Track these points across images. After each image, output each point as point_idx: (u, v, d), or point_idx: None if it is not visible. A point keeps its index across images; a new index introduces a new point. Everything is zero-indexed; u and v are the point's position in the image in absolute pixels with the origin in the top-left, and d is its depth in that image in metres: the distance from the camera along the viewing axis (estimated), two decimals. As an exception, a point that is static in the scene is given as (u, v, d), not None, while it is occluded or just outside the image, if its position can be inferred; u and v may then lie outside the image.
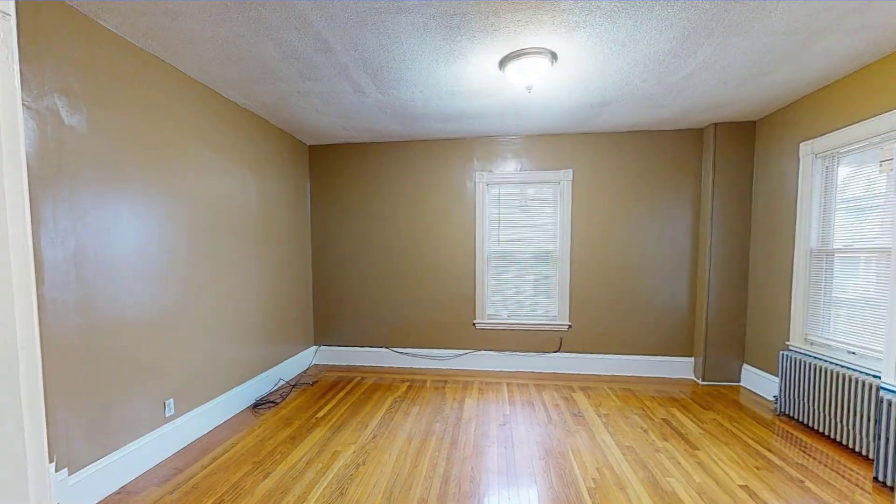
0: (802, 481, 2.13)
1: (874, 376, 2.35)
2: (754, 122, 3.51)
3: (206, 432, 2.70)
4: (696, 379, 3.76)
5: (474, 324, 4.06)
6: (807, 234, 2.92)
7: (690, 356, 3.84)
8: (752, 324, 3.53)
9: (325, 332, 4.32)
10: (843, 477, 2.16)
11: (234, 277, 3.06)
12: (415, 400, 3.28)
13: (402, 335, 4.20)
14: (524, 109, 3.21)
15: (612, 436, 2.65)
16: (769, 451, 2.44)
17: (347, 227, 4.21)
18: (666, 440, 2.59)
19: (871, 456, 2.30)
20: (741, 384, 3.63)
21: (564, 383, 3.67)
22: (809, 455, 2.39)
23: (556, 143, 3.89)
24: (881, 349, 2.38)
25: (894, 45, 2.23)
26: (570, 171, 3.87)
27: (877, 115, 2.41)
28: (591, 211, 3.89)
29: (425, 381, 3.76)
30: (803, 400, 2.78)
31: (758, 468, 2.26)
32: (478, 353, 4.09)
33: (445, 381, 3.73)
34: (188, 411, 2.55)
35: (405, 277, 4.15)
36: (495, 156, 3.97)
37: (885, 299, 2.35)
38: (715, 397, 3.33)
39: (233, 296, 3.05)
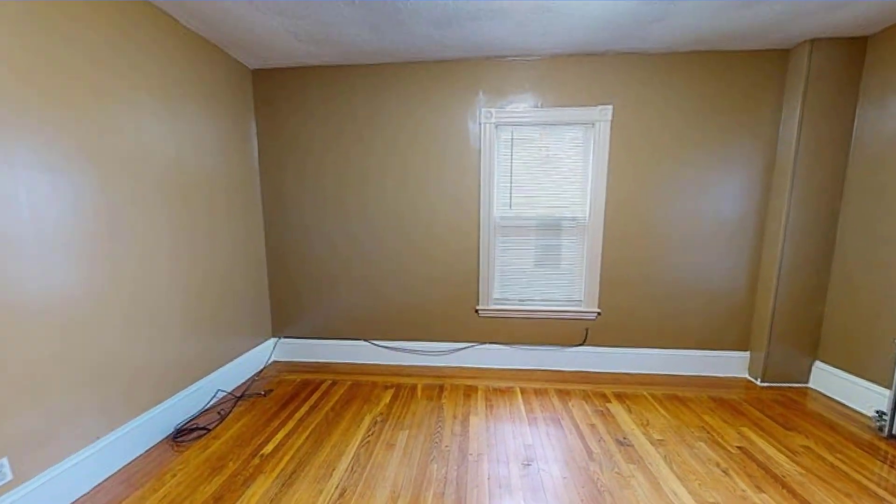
0: None
1: None
2: (866, 39, 2.54)
3: (84, 493, 1.81)
4: (752, 379, 3.02)
5: (477, 310, 3.19)
6: None
7: (746, 350, 3.07)
8: (836, 312, 2.74)
9: (286, 320, 3.39)
10: None
11: (153, 252, 2.07)
12: (402, 419, 2.44)
13: (386, 324, 3.30)
14: (557, 3, 2.15)
15: (683, 482, 1.87)
16: (910, 507, 1.71)
17: (311, 186, 3.17)
18: (761, 490, 1.82)
19: None
20: (810, 386, 2.90)
21: (593, 387, 2.88)
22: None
23: (591, 67, 2.85)
24: None
25: None
26: (609, 107, 2.87)
27: None
28: (634, 163, 2.93)
29: (415, 385, 2.92)
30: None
31: (914, 545, 1.52)
32: (481, 346, 3.25)
33: (441, 386, 2.90)
34: (48, 468, 1.64)
35: (389, 251, 3.20)
36: (508, 85, 2.92)
37: None
38: (788, 407, 2.59)
39: (151, 277, 2.07)
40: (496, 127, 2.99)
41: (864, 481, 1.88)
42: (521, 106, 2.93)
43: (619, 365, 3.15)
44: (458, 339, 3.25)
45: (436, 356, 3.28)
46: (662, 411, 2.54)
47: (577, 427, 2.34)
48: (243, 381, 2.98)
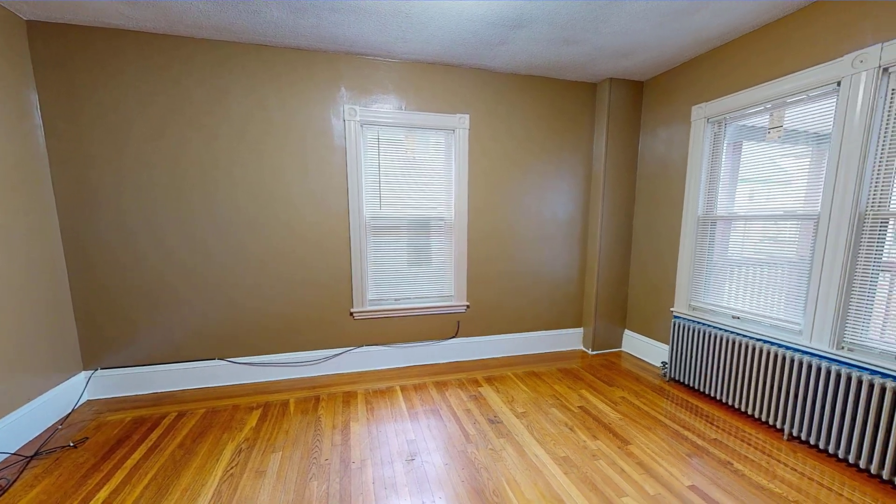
0: (731, 463, 2.03)
1: (764, 341, 2.44)
2: (642, 84, 3.38)
3: None
4: (585, 349, 3.71)
5: (352, 313, 3.09)
6: (695, 201, 2.92)
7: (580, 327, 3.76)
8: (635, 291, 3.58)
9: (104, 346, 2.68)
10: (758, 449, 2.16)
11: None
12: (272, 440, 2.21)
13: (247, 338, 2.92)
14: (418, 7, 2.24)
15: (542, 444, 2.18)
16: (686, 429, 2.34)
17: (134, 179, 2.58)
18: (595, 437, 2.25)
19: (762, 418, 2.40)
20: (622, 349, 3.72)
21: (466, 375, 3.11)
22: (717, 426, 2.38)
23: (448, 77, 3.06)
24: (766, 313, 2.49)
25: (786, 8, 2.13)
26: (467, 116, 3.13)
27: (767, 81, 2.38)
28: (490, 169, 3.27)
29: (287, 401, 2.67)
30: (693, 365, 2.85)
31: (688, 455, 2.09)
32: (359, 350, 3.17)
33: (317, 397, 2.72)
34: None
35: (246, 254, 2.83)
36: (372, 84, 2.92)
37: (771, 262, 2.43)
38: (610, 369, 3.26)
39: None
40: (361, 125, 2.95)
41: (660, 417, 2.50)
42: (386, 106, 2.96)
43: (487, 351, 3.47)
44: (333, 346, 3.10)
45: (309, 366, 3.06)
46: (523, 387, 2.90)
47: (454, 414, 2.50)
48: (37, 433, 2.25)
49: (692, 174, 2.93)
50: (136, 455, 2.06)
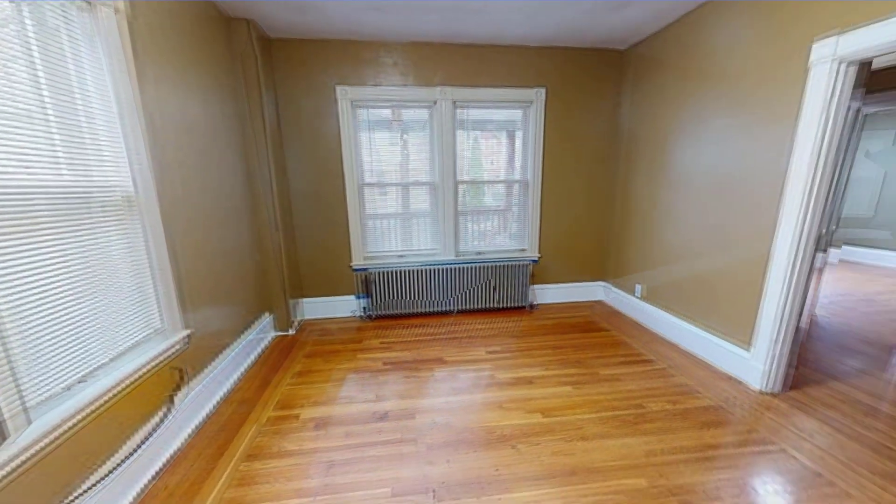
0: (442, 335, 3.27)
1: (423, 264, 3.76)
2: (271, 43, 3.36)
3: None
4: (282, 332, 3.36)
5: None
6: (357, 169, 3.57)
7: (269, 312, 3.29)
8: (309, 261, 3.67)
9: None
10: (440, 325, 3.52)
11: None
12: None
13: None
14: None
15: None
16: (384, 346, 3.28)
17: None
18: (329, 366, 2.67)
19: (438, 309, 3.78)
20: (306, 318, 3.74)
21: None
22: (405, 330, 3.50)
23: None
24: (419, 248, 3.82)
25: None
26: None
27: (393, 86, 3.53)
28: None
29: None
30: (383, 298, 3.69)
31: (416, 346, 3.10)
32: None
33: None
34: None
35: None
36: None
37: (417, 214, 3.76)
38: (318, 345, 3.32)
39: None
40: None
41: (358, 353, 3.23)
42: None
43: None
44: None
45: None
46: (321, 384, 2.48)
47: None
48: None
49: (347, 146, 3.49)
50: None
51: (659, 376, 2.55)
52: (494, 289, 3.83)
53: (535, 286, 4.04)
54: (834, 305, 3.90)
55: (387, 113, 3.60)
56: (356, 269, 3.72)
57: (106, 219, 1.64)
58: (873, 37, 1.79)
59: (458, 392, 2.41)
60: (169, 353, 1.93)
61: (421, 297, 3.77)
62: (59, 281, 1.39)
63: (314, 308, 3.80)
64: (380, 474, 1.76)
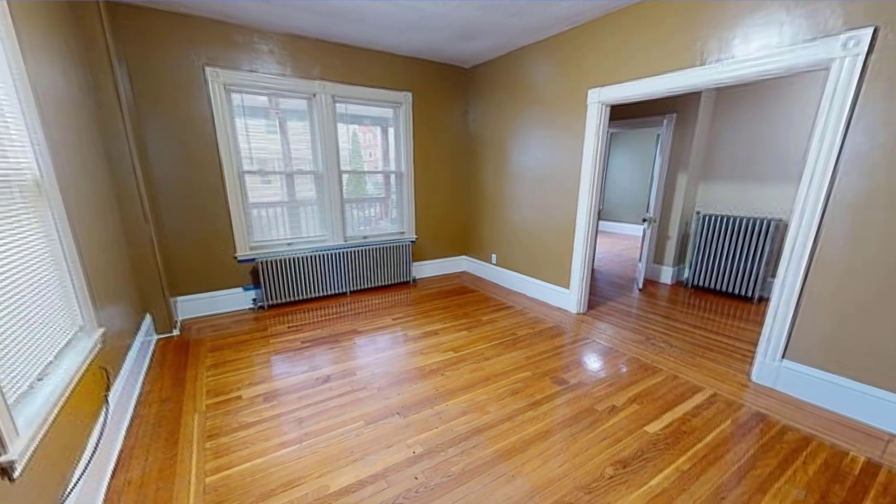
0: (346, 315, 3.67)
1: (314, 250, 3.91)
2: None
3: None
4: (161, 334, 3.00)
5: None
6: (235, 155, 3.45)
7: (147, 313, 2.91)
8: (182, 255, 3.32)
9: None
10: (344, 306, 3.84)
11: None
12: None
13: None
14: None
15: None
16: (292, 330, 3.53)
17: None
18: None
19: (333, 291, 4.00)
20: (186, 317, 3.38)
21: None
22: (305, 314, 3.73)
23: None
24: (307, 235, 3.93)
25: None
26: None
27: (271, 75, 3.60)
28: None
29: None
30: (277, 287, 3.69)
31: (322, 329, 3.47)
32: None
33: None
34: None
35: None
36: None
37: (303, 203, 3.87)
38: (219, 339, 3.19)
39: None
40: None
41: (271, 339, 3.43)
42: None
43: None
44: None
45: None
46: (250, 367, 2.53)
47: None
48: None
49: (222, 132, 3.36)
50: None
51: (519, 315, 3.57)
52: (382, 268, 4.31)
53: (415, 263, 4.69)
54: (600, 257, 5.91)
55: (264, 100, 3.58)
56: (242, 261, 3.60)
57: (26, 205, 1.46)
58: (617, 91, 3.08)
59: (383, 350, 2.86)
60: (95, 351, 1.76)
61: (314, 283, 3.93)
62: (8, 273, 1.26)
63: (194, 306, 3.49)
64: (348, 415, 2.11)
